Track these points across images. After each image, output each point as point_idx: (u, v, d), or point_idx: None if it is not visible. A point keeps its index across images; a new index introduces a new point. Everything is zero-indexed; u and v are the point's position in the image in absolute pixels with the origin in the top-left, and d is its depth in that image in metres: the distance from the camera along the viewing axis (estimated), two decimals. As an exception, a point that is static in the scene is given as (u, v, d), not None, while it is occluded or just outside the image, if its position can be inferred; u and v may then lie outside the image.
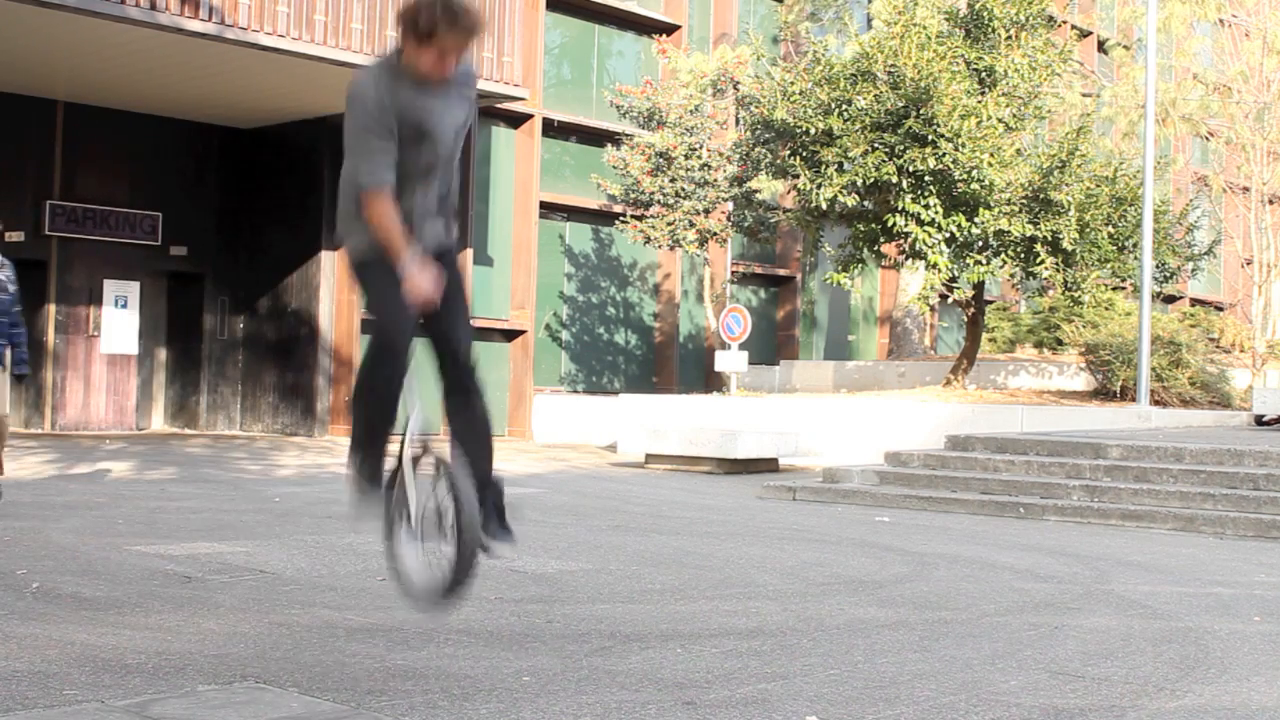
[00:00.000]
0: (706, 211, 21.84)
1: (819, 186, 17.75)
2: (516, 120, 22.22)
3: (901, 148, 17.34)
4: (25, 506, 9.52)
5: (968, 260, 18.11)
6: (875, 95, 17.67)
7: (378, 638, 5.28)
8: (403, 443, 4.74)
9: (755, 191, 21.83)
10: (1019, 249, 18.04)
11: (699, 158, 21.64)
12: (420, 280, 4.48)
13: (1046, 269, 17.92)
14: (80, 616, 5.48)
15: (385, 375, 4.66)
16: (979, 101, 17.69)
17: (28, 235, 19.06)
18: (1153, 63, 17.78)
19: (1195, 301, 33.91)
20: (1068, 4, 30.05)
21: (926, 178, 17.41)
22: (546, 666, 4.84)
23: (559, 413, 21.52)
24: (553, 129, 23.11)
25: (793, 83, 18.36)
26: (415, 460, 4.73)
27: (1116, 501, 11.41)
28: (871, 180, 17.48)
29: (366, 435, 4.79)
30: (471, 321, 4.93)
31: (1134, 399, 17.24)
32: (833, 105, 17.87)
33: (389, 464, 4.78)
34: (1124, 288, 21.90)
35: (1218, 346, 23.74)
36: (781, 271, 27.55)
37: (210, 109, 19.74)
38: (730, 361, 20.06)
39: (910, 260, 18.87)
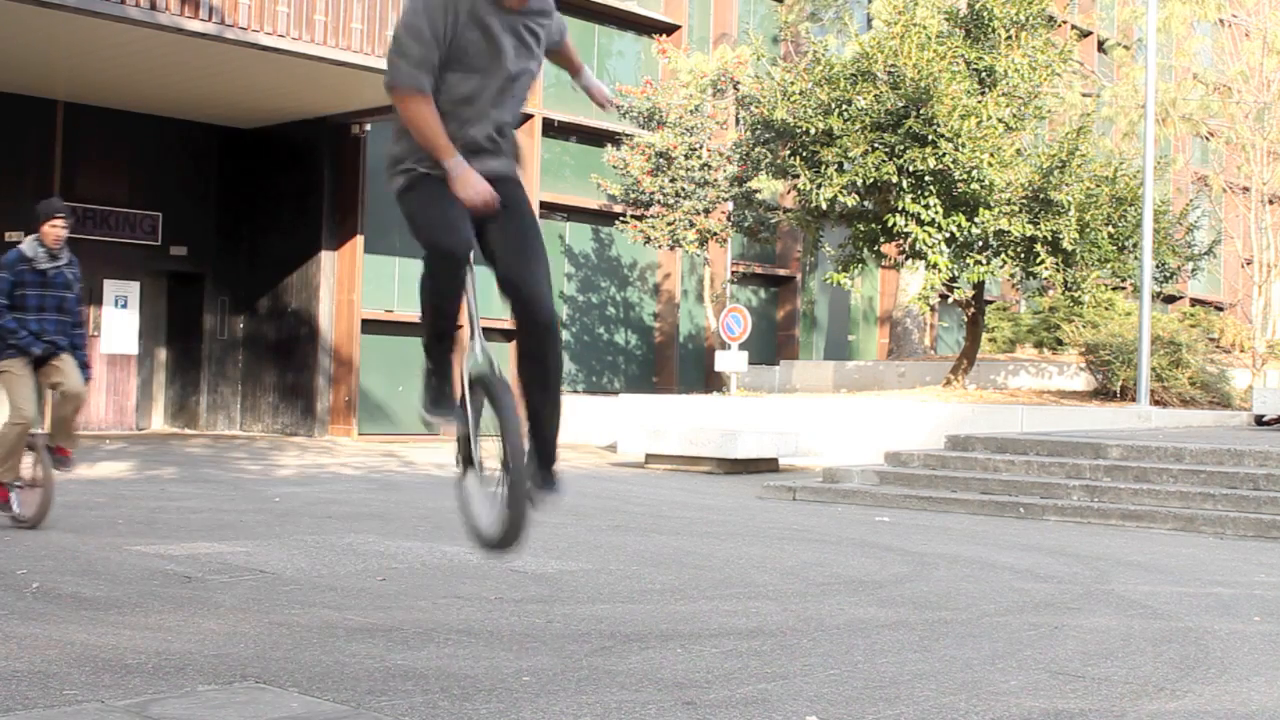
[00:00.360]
0: (706, 211, 21.84)
1: (819, 186, 17.75)
2: (516, 120, 22.19)
3: (901, 148, 17.34)
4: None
5: (968, 260, 18.11)
6: (875, 95, 17.67)
7: (378, 638, 5.28)
8: (463, 373, 4.68)
9: (755, 191, 21.83)
10: (1019, 249, 18.04)
11: (699, 158, 21.64)
12: (471, 178, 4.30)
13: (1046, 269, 17.92)
14: (80, 616, 5.48)
15: (443, 288, 4.55)
16: (979, 101, 17.69)
17: (28, 235, 19.05)
18: (1153, 63, 17.78)
19: (1195, 301, 33.91)
20: (1068, 4, 30.05)
21: (926, 178, 17.40)
22: (546, 666, 4.84)
23: (559, 413, 21.47)
24: (553, 129, 23.11)
25: (793, 83, 18.36)
26: (474, 388, 4.62)
27: (1116, 501, 11.41)
28: (871, 180, 17.48)
29: (433, 352, 4.78)
30: (548, 269, 4.63)
31: (1134, 399, 17.24)
32: (833, 105, 17.86)
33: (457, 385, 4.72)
34: (1124, 288, 21.90)
35: (1218, 346, 23.74)
36: (781, 271, 27.55)
37: (210, 109, 19.74)
38: (730, 361, 20.06)
39: (910, 260, 18.87)
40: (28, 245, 8.46)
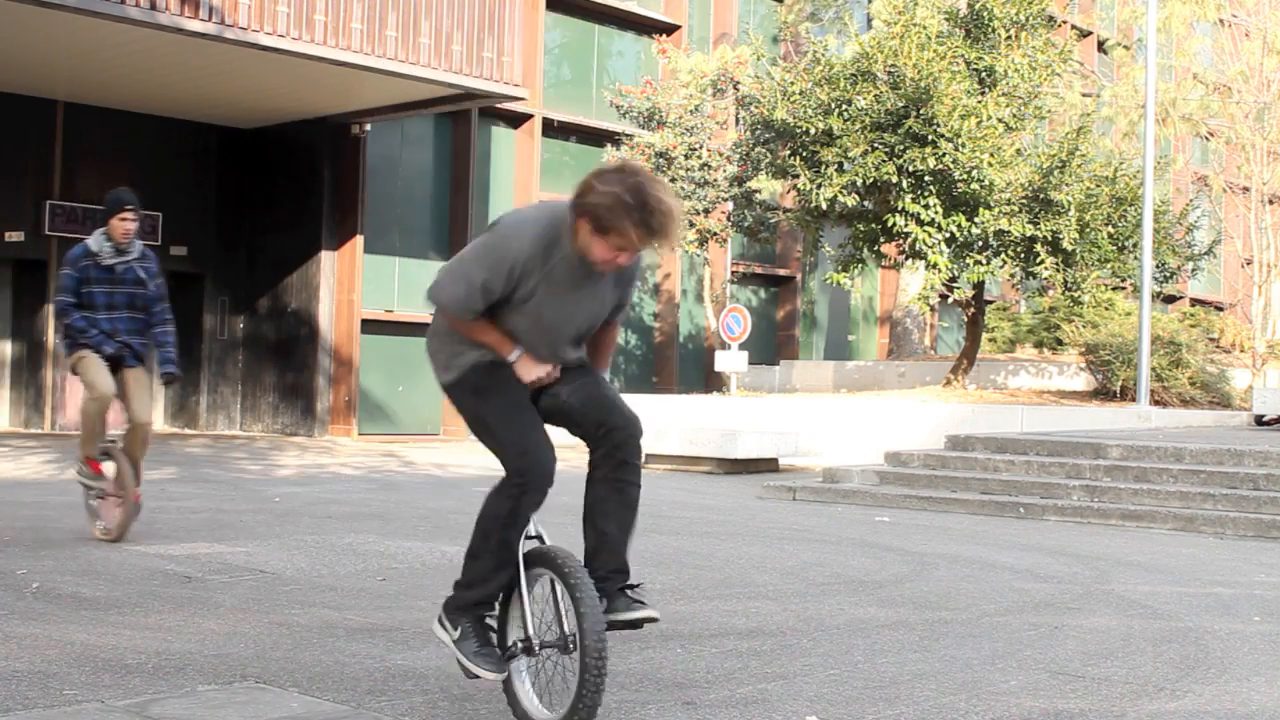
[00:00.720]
0: (706, 211, 21.84)
1: (819, 186, 17.75)
2: (516, 120, 22.23)
3: (901, 148, 17.34)
4: (25, 506, 9.52)
5: (968, 260, 18.11)
6: (875, 95, 17.67)
7: (378, 638, 5.28)
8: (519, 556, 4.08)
9: (755, 191, 21.83)
10: (1019, 249, 18.04)
11: (699, 158, 21.64)
12: (529, 363, 4.02)
13: (1046, 269, 17.92)
14: (80, 616, 5.48)
15: (523, 517, 3.98)
16: (979, 101, 17.69)
17: (28, 235, 19.06)
18: (1153, 63, 17.78)
19: (1195, 301, 33.91)
20: (1068, 4, 30.06)
21: (926, 178, 17.41)
22: (546, 666, 4.84)
23: (559, 413, 21.49)
24: (553, 129, 23.11)
25: (793, 83, 18.36)
26: (532, 567, 4.06)
27: (1116, 501, 11.41)
28: (871, 180, 17.48)
29: (491, 592, 4.04)
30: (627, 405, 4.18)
31: (1134, 399, 17.24)
32: (833, 105, 17.87)
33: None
34: (1124, 288, 21.90)
35: (1218, 346, 23.75)
36: (781, 271, 27.55)
37: (210, 109, 19.75)
38: (730, 361, 20.05)
39: (910, 260, 18.88)
40: (94, 240, 7.95)
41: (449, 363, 4.14)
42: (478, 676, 3.94)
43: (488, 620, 4.03)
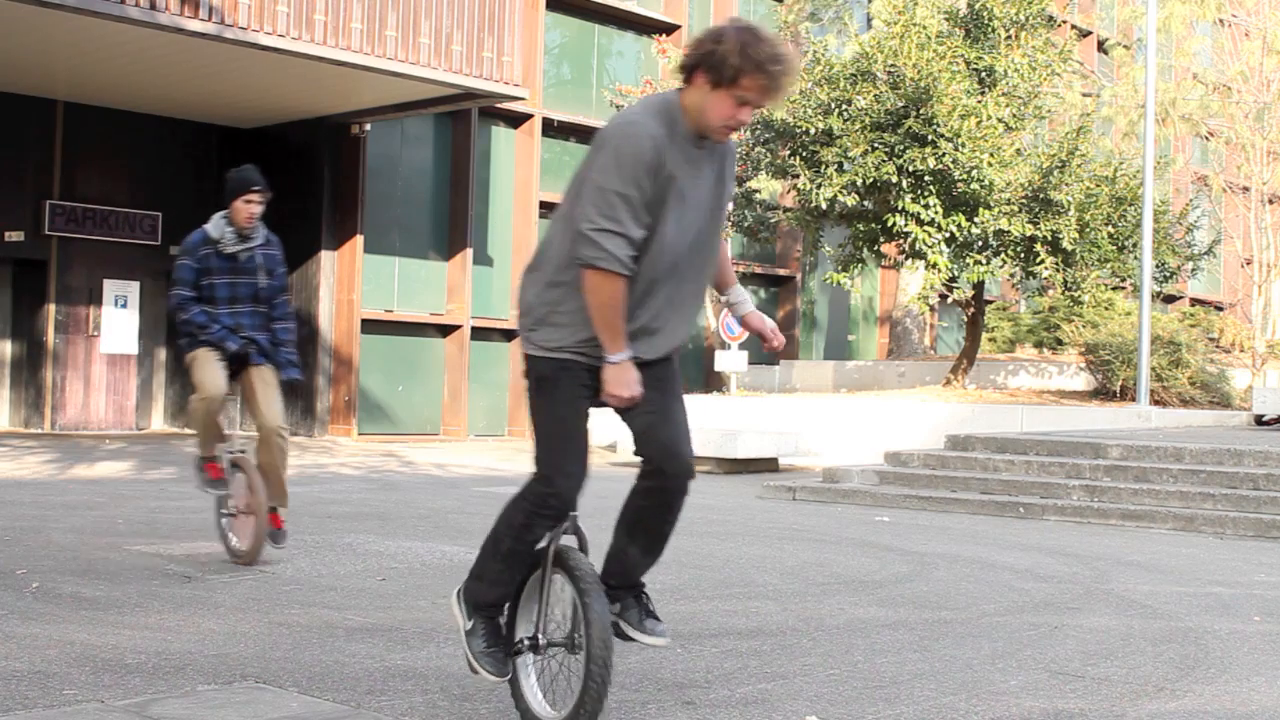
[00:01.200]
0: (706, 211, 21.82)
1: (819, 186, 17.75)
2: (516, 120, 22.22)
3: (901, 148, 17.34)
4: (25, 506, 9.52)
5: (968, 260, 18.11)
6: (875, 95, 17.67)
7: (378, 638, 5.28)
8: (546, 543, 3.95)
9: (755, 191, 21.82)
10: (1019, 249, 18.04)
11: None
12: (627, 378, 3.70)
13: (1046, 269, 17.93)
14: (80, 616, 5.48)
15: (536, 532, 3.83)
16: (979, 101, 17.69)
17: (27, 235, 19.06)
18: (1153, 63, 17.78)
19: (1195, 301, 33.90)
20: (1068, 4, 30.04)
21: (926, 178, 17.41)
22: (546, 666, 4.84)
23: (559, 413, 21.47)
24: (553, 129, 23.10)
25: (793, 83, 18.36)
26: (555, 566, 3.94)
27: (1116, 501, 11.40)
28: (871, 180, 17.48)
29: (493, 593, 3.93)
30: (688, 427, 3.98)
31: (1134, 399, 17.24)
32: (832, 105, 17.86)
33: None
34: (1124, 288, 21.90)
35: (1218, 346, 23.74)
36: (781, 271, 27.55)
37: (210, 109, 19.74)
38: (730, 361, 20.05)
39: (910, 260, 18.88)
40: (214, 225, 7.14)
41: (536, 324, 3.84)
42: (478, 673, 3.91)
43: (498, 620, 3.96)
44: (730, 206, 3.99)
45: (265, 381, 7.21)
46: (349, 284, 19.88)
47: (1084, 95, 24.25)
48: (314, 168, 19.94)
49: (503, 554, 3.86)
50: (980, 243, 18.19)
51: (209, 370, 7.02)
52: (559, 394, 3.79)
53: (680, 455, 3.87)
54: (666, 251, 3.71)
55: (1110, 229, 18.15)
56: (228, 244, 7.11)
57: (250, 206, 7.07)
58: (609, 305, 3.64)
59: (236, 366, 7.13)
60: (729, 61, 3.56)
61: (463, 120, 21.07)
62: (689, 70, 3.65)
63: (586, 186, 3.65)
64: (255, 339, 7.16)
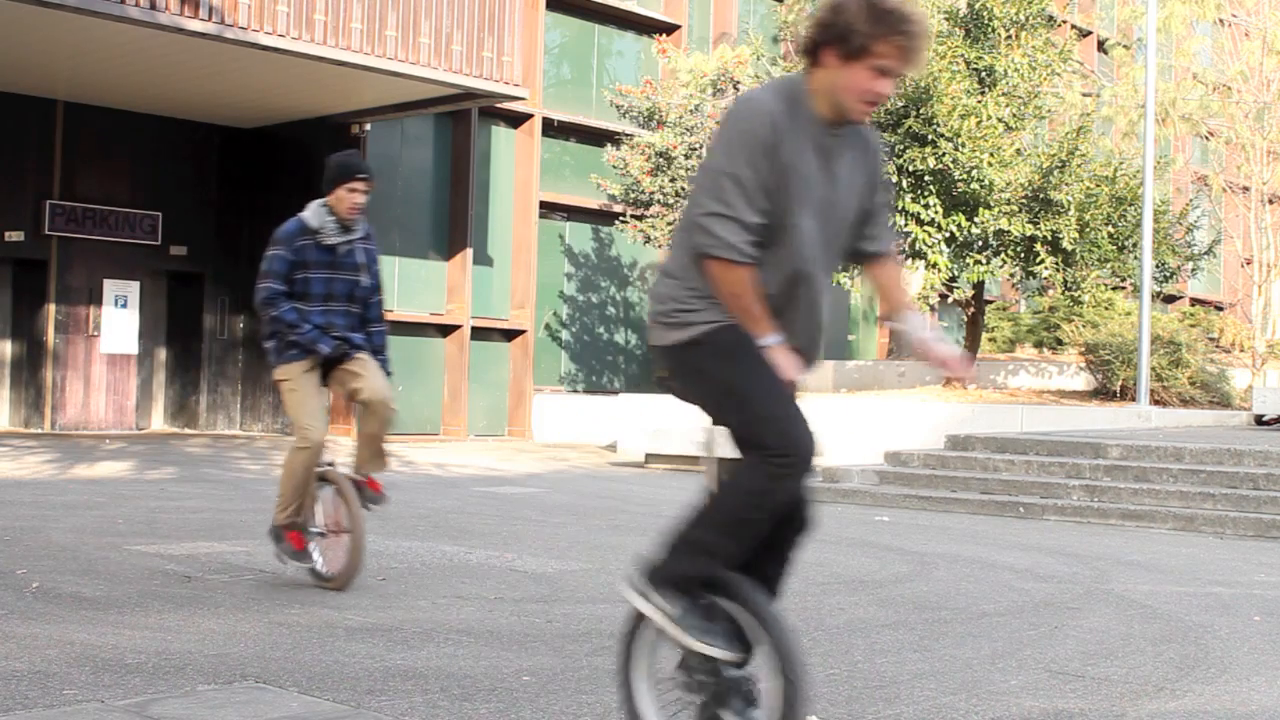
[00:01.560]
0: (706, 211, 21.82)
1: (819, 186, 17.73)
2: (516, 120, 22.22)
3: (901, 147, 17.34)
4: (25, 506, 9.52)
5: (968, 260, 18.11)
6: (875, 95, 17.66)
7: (378, 638, 5.28)
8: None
9: (755, 191, 21.80)
10: (1019, 249, 18.04)
11: (699, 158, 21.64)
12: (784, 361, 3.38)
13: (1046, 269, 17.93)
14: (80, 616, 5.48)
15: (778, 501, 3.42)
16: (979, 101, 17.69)
17: (28, 235, 19.07)
18: (1153, 62, 17.78)
19: (1195, 301, 33.90)
20: (1068, 4, 30.04)
21: (926, 177, 17.41)
22: (546, 666, 4.84)
23: (559, 412, 21.51)
24: (553, 129, 23.10)
25: (793, 82, 18.36)
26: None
27: (1116, 501, 11.40)
28: (871, 180, 17.47)
29: (704, 568, 3.43)
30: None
31: (1134, 399, 17.24)
32: (833, 105, 17.84)
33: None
34: (1124, 287, 21.90)
35: (1218, 346, 23.75)
36: (781, 271, 27.54)
37: (210, 109, 19.75)
38: (730, 361, 20.03)
39: (910, 260, 18.87)
40: (312, 213, 6.43)
41: (685, 318, 3.43)
42: (708, 654, 3.38)
43: (707, 599, 3.44)
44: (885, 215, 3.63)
45: (363, 362, 6.38)
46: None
47: (1084, 95, 24.25)
48: (314, 168, 19.87)
49: (730, 525, 3.41)
50: (980, 243, 18.19)
51: (309, 407, 6.30)
52: (747, 352, 3.38)
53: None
54: (795, 255, 3.39)
55: (1110, 229, 18.15)
56: (328, 235, 6.37)
57: (354, 196, 6.34)
58: (738, 294, 3.34)
59: (329, 367, 6.41)
60: (857, 29, 3.30)
61: (463, 120, 21.08)
62: (813, 50, 3.36)
63: (701, 173, 3.41)
64: (349, 338, 6.39)
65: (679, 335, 3.45)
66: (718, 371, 3.43)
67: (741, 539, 3.42)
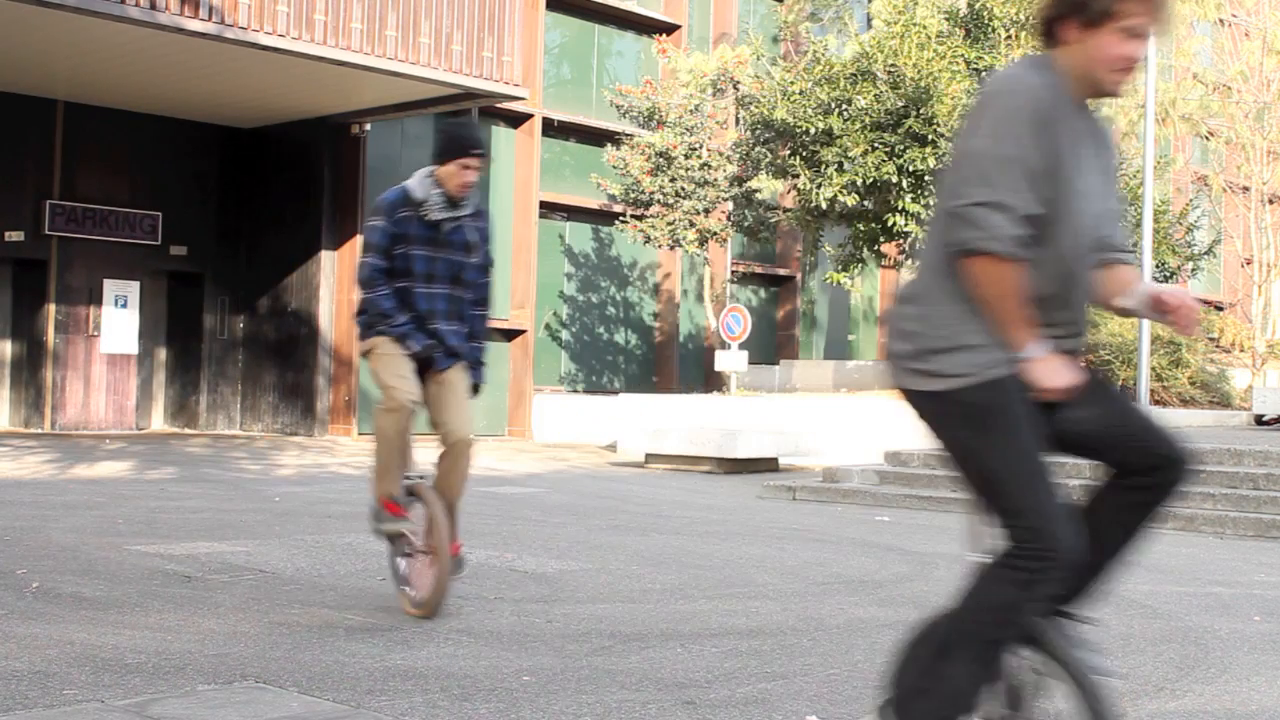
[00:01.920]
0: (706, 211, 21.84)
1: (819, 186, 17.76)
2: (516, 120, 22.23)
3: (901, 147, 17.36)
4: (25, 506, 9.52)
5: (968, 260, 18.12)
6: (875, 95, 17.68)
7: (378, 638, 5.28)
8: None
9: (755, 191, 21.83)
10: (1019, 249, 18.05)
11: (699, 157, 21.64)
12: (1054, 363, 2.95)
13: (1046, 269, 17.94)
14: (80, 616, 5.48)
15: (1036, 609, 3.00)
16: (979, 101, 17.70)
17: (28, 235, 19.06)
18: (1153, 63, 17.79)
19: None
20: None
21: (926, 177, 17.42)
22: (546, 666, 4.84)
23: (559, 412, 21.52)
24: (553, 129, 23.11)
25: (793, 82, 18.38)
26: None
27: (1116, 501, 11.39)
28: (871, 180, 17.49)
29: (953, 709, 3.05)
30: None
31: (1134, 399, 17.25)
32: (833, 105, 17.88)
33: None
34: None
35: (1218, 346, 23.76)
36: (781, 271, 27.55)
37: (210, 109, 19.75)
38: (730, 361, 20.05)
39: (910, 260, 18.89)
40: (417, 183, 5.86)
41: (931, 364, 3.02)
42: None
43: None
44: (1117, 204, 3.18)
45: (452, 386, 5.90)
46: (349, 284, 19.88)
47: (1084, 95, 24.24)
48: (314, 168, 19.94)
49: (977, 650, 3.01)
50: (980, 243, 18.20)
51: (397, 370, 5.80)
52: (1014, 421, 2.96)
53: (1167, 437, 3.09)
54: (1068, 253, 3.03)
55: (1110, 229, 18.16)
56: (433, 209, 5.82)
57: (466, 174, 5.79)
58: (1003, 297, 2.92)
59: (420, 362, 5.91)
60: None
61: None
62: (1050, 27, 3.04)
63: (957, 160, 3.01)
64: (443, 338, 5.88)
65: (923, 385, 3.06)
66: (967, 442, 3.04)
67: (987, 660, 3.04)
